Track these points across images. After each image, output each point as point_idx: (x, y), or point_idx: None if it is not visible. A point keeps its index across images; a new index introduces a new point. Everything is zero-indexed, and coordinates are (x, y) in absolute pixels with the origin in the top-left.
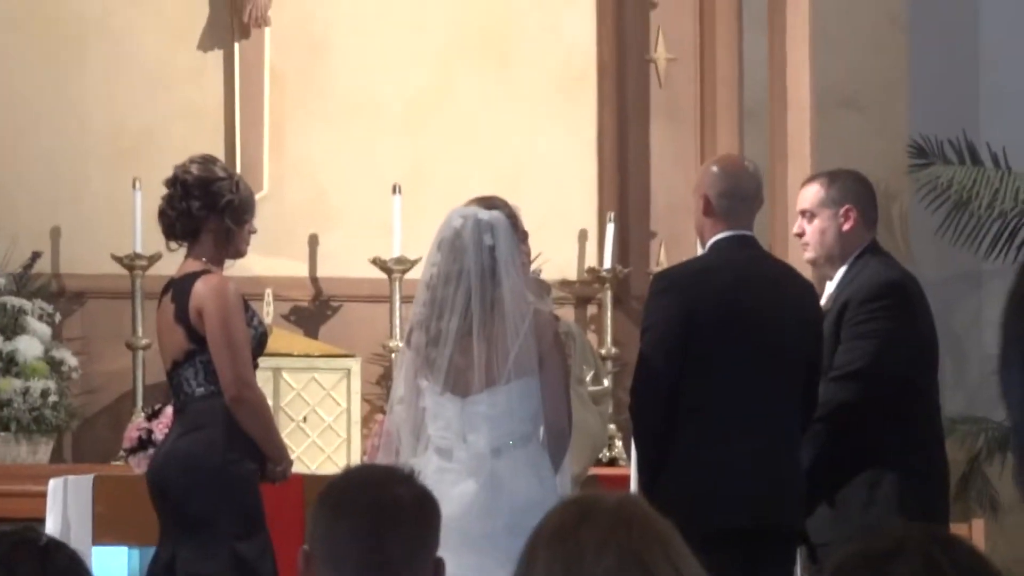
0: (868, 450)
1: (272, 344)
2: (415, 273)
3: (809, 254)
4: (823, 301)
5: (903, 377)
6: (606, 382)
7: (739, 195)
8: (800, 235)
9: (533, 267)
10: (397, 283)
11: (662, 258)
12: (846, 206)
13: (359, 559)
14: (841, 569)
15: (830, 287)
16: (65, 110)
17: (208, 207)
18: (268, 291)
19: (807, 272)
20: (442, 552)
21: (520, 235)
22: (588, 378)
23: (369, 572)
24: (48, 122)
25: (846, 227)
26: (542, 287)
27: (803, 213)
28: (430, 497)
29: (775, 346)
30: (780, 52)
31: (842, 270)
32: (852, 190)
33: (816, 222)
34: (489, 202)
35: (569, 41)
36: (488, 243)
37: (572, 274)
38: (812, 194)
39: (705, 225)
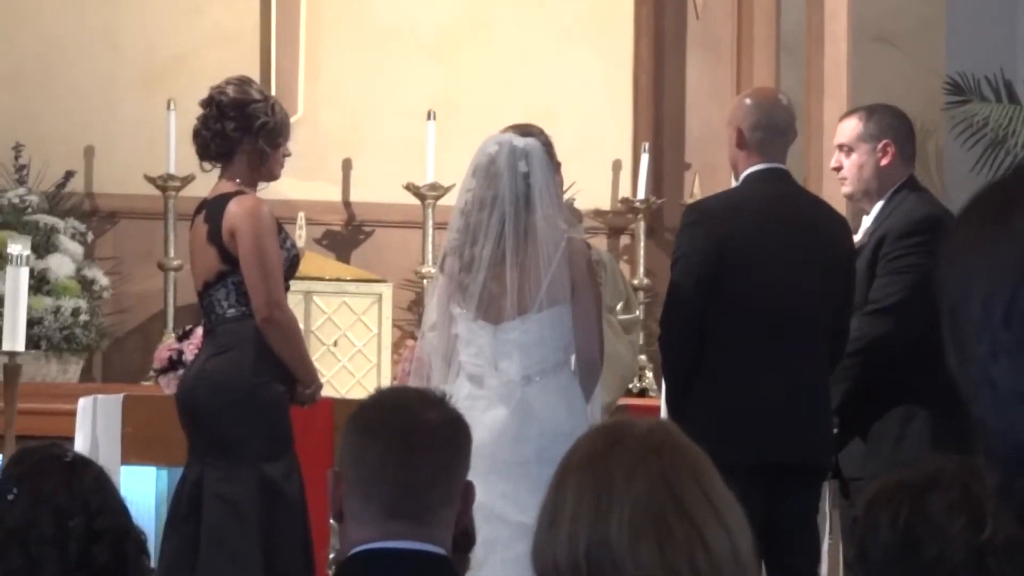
0: (901, 385)
1: (304, 268)
2: (448, 200)
3: (846, 188)
4: (859, 235)
5: (935, 314)
6: (637, 312)
7: (772, 128)
8: (837, 169)
9: (566, 196)
10: (430, 209)
11: (696, 190)
12: (884, 141)
13: (389, 481)
14: (875, 501)
15: (867, 221)
16: (97, 34)
17: (243, 128)
18: (301, 215)
19: (841, 207)
20: (472, 478)
21: (554, 165)
22: (619, 307)
23: (398, 494)
24: (80, 46)
25: (884, 162)
26: (574, 215)
27: (840, 147)
28: (461, 421)
29: (807, 280)
30: None
31: (879, 205)
32: (890, 125)
33: (854, 156)
34: (525, 129)
35: None
36: (523, 170)
37: (605, 204)
38: (850, 128)
39: (739, 157)
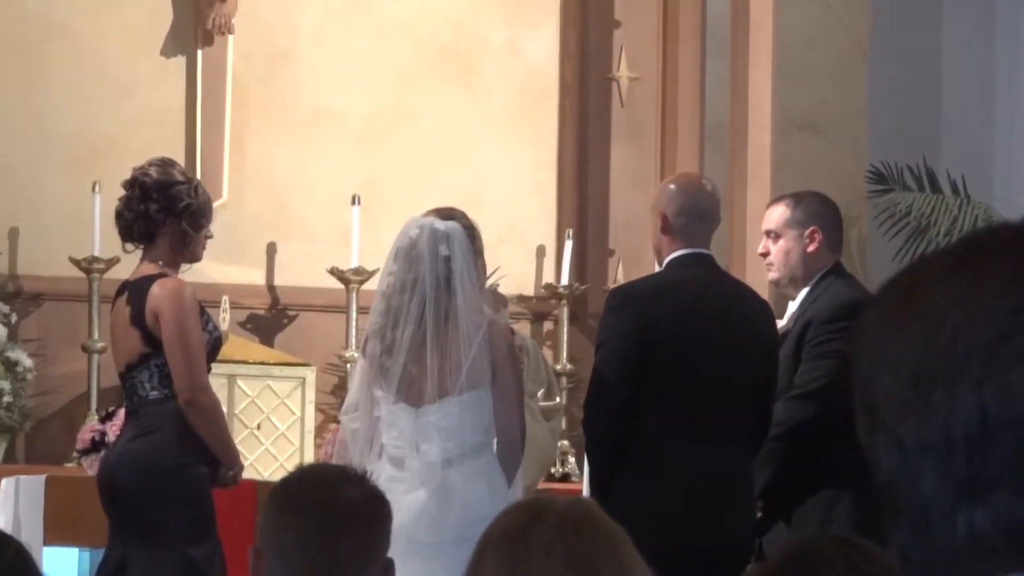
0: (826, 469)
1: (228, 351)
2: (372, 284)
3: (773, 274)
4: (785, 321)
5: None
6: (558, 398)
7: (697, 213)
8: (764, 255)
9: (490, 281)
10: (354, 293)
11: (619, 276)
12: (811, 227)
13: (309, 558)
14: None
15: (792, 307)
16: (25, 114)
17: (166, 210)
18: (225, 298)
19: (764, 292)
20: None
21: (476, 249)
22: (540, 393)
23: (318, 571)
24: (7, 125)
25: (811, 248)
26: (499, 300)
27: (768, 233)
28: (381, 498)
29: (730, 366)
30: (742, 75)
31: (805, 290)
32: (818, 212)
33: (781, 242)
34: (447, 212)
35: (532, 58)
36: (444, 253)
37: (529, 289)
38: (778, 215)
39: (662, 243)
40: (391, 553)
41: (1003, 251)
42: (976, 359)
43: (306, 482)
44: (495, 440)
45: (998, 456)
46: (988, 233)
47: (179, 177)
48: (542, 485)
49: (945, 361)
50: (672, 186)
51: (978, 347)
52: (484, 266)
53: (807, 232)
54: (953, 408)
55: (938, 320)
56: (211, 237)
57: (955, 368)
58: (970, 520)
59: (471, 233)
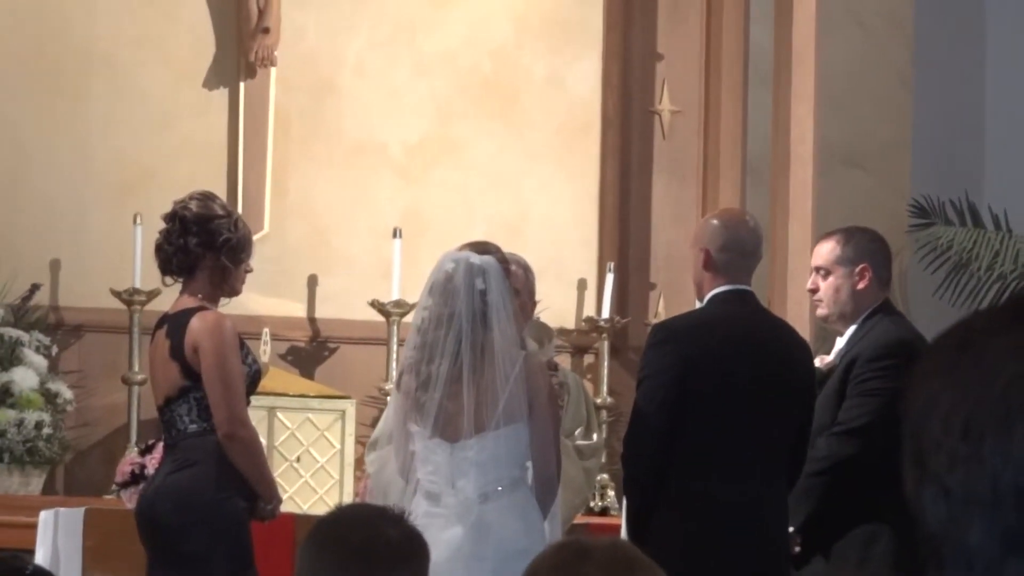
0: (866, 507)
1: (268, 383)
2: (412, 317)
3: (822, 311)
4: (832, 357)
5: (902, 437)
6: (595, 436)
7: (739, 249)
8: (814, 291)
9: (534, 315)
10: (395, 326)
11: (660, 310)
12: (862, 264)
13: None
14: None
15: (840, 343)
16: (68, 145)
17: (205, 244)
18: (266, 330)
19: (804, 329)
20: None
21: (523, 285)
22: (577, 432)
23: None
24: (50, 157)
25: (860, 285)
26: (544, 332)
27: (817, 269)
28: (420, 538)
29: (768, 403)
30: (784, 108)
31: (853, 327)
32: (868, 249)
33: (831, 279)
34: (482, 247)
35: (574, 91)
36: (480, 287)
37: (570, 323)
38: (828, 251)
39: (704, 279)
40: None
41: None
42: None
43: (345, 521)
44: (531, 475)
45: None
46: None
47: (219, 211)
48: (581, 519)
49: (997, 412)
50: (715, 222)
51: None
52: (533, 302)
53: (857, 269)
54: (1003, 460)
55: (992, 372)
56: (251, 271)
57: (1007, 419)
58: (1018, 573)
59: (507, 267)
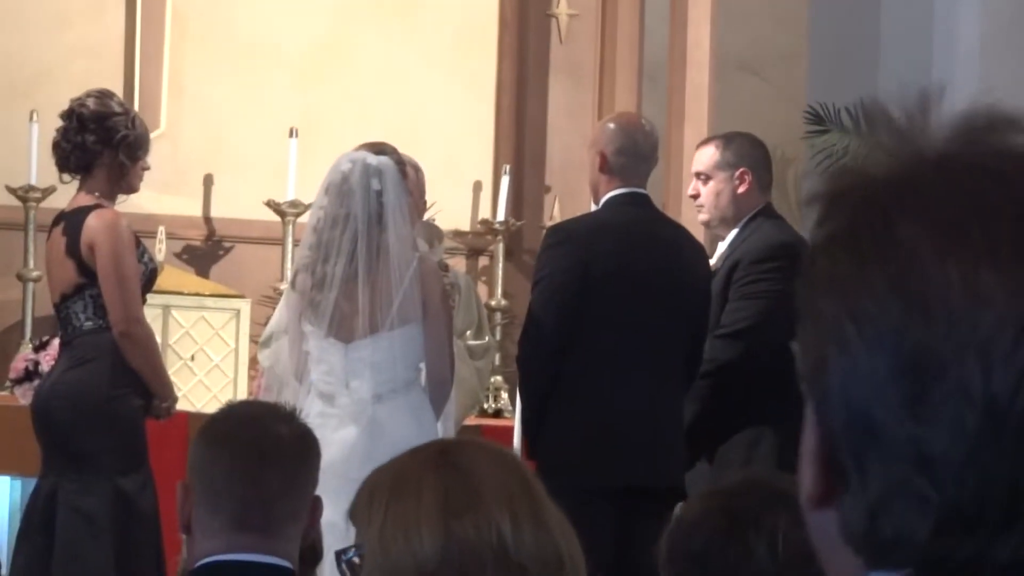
0: (749, 409)
1: (163, 282)
2: (308, 217)
3: (703, 216)
4: (714, 261)
5: (785, 339)
6: (487, 337)
7: (635, 153)
8: (695, 197)
9: (427, 215)
10: (290, 226)
11: (556, 213)
12: (741, 169)
13: (237, 494)
14: (735, 524)
15: (722, 247)
16: None
17: (103, 141)
18: (161, 229)
19: (699, 233)
20: (322, 495)
21: (415, 185)
22: (469, 332)
23: (246, 507)
24: None
25: (741, 190)
26: (434, 233)
27: (698, 175)
28: (311, 435)
29: (664, 305)
30: (682, 12)
31: (734, 231)
32: (747, 153)
33: (711, 184)
34: (378, 147)
35: None
36: (376, 188)
37: (465, 225)
38: (707, 156)
39: (600, 181)
40: (320, 490)
41: None
42: None
43: (236, 418)
44: (424, 376)
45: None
46: None
47: (117, 109)
48: (475, 420)
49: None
50: (611, 125)
51: None
52: (424, 203)
53: (737, 173)
54: None
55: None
56: (148, 169)
57: None
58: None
59: (403, 168)
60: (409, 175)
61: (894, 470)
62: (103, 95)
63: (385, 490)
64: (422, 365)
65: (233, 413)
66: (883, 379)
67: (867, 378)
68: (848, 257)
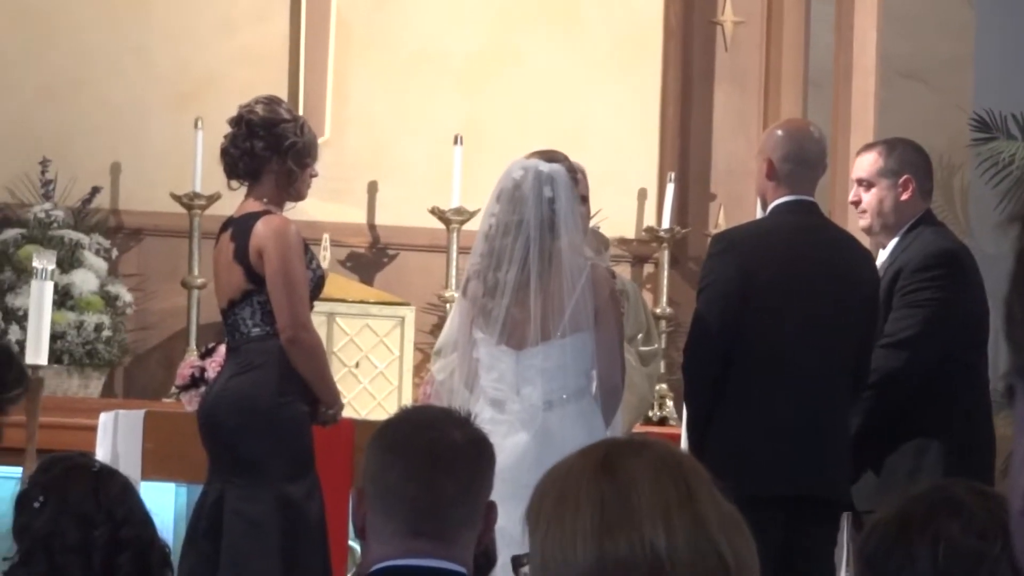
0: (915, 418)
1: (327, 289)
2: (473, 225)
3: (865, 222)
4: None
5: (950, 348)
6: (656, 344)
7: (803, 160)
8: (856, 203)
9: (592, 223)
10: (455, 233)
11: (721, 220)
12: (904, 176)
13: (411, 499)
14: (901, 533)
15: (883, 255)
16: (128, 51)
17: (272, 148)
18: (326, 236)
19: (865, 241)
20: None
21: (579, 193)
22: (639, 337)
23: (421, 513)
24: (110, 62)
25: (904, 197)
26: (600, 241)
27: (860, 182)
28: (485, 441)
29: (830, 314)
30: (847, 20)
31: (896, 239)
32: (910, 160)
33: (873, 191)
34: (550, 155)
35: (636, 1)
36: (548, 195)
37: (630, 232)
38: (870, 163)
39: (767, 189)
40: (493, 496)
41: None
42: None
43: (411, 423)
44: (595, 384)
45: None
46: None
47: (285, 115)
48: (640, 428)
49: None
50: (779, 132)
51: None
52: (588, 209)
53: (900, 180)
54: None
55: None
56: (316, 176)
57: None
58: None
59: (574, 176)
60: (580, 182)
61: None
62: (272, 101)
63: (547, 500)
64: (594, 373)
65: (408, 418)
66: None
67: None
68: None
